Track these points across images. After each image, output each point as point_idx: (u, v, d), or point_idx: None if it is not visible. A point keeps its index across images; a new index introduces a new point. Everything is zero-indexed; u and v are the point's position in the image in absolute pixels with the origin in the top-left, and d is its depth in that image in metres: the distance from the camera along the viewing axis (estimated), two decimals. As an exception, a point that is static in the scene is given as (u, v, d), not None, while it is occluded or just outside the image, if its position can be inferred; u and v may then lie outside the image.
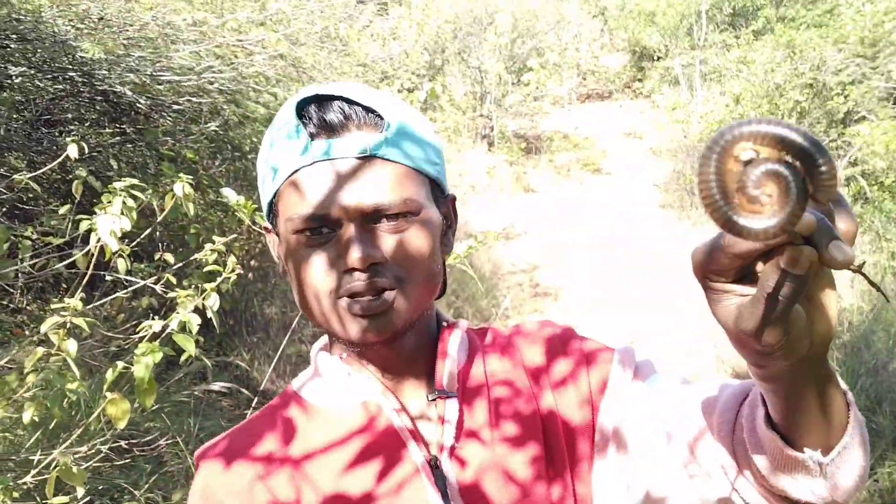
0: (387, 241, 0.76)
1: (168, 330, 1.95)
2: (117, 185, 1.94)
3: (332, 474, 0.78)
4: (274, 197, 0.80)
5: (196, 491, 0.81)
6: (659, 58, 11.81)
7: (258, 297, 4.46)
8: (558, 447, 0.82)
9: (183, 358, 2.00)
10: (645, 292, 5.85)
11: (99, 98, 4.03)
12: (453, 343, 0.84)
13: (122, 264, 2.13)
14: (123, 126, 4.27)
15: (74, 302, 1.77)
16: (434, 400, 0.82)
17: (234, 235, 3.06)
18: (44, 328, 1.73)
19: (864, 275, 0.56)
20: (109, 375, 1.81)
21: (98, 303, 2.23)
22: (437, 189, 0.83)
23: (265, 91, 3.93)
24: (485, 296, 5.58)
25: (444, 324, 0.87)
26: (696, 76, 10.09)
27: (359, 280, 0.74)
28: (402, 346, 0.82)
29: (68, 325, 1.75)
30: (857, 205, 6.15)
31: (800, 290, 0.51)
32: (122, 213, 1.99)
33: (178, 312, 1.98)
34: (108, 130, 4.26)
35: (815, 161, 0.48)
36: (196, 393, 3.20)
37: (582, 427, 0.84)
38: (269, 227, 0.85)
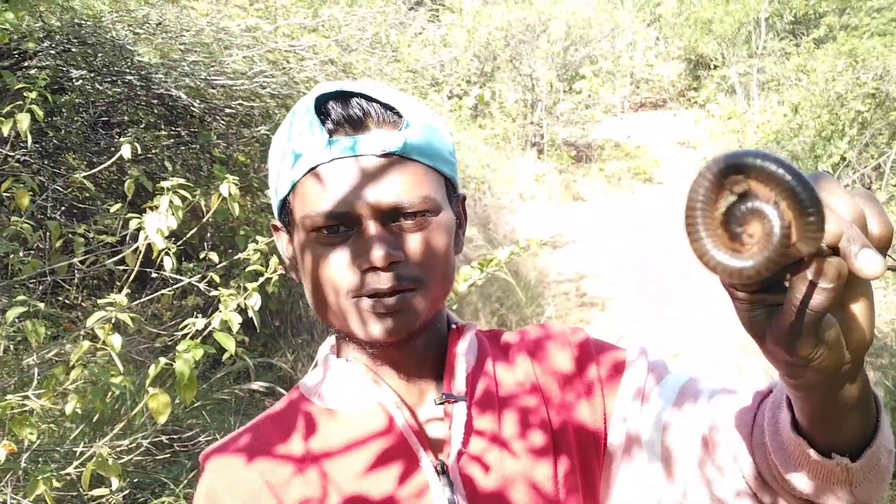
0: (406, 239, 0.75)
1: (210, 328, 1.98)
2: (165, 184, 1.99)
3: (338, 478, 0.77)
4: (289, 193, 0.79)
5: (201, 494, 0.80)
6: (715, 66, 11.60)
7: (304, 300, 4.50)
8: (569, 453, 0.81)
9: (225, 356, 2.03)
10: (691, 302, 5.73)
11: (155, 101, 4.14)
12: (462, 345, 0.83)
13: (168, 262, 2.17)
14: (178, 129, 4.38)
15: (120, 298, 1.82)
16: (442, 404, 0.80)
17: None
18: (90, 322, 1.78)
19: None
20: (152, 371, 1.85)
21: (145, 299, 2.28)
22: (450, 188, 0.82)
23: (315, 96, 3.97)
24: (529, 304, 5.54)
25: (454, 326, 0.86)
26: (753, 85, 9.89)
27: (378, 279, 0.74)
28: (413, 348, 0.80)
29: (113, 320, 1.80)
30: (921, 219, 5.93)
31: (830, 302, 0.48)
32: (170, 212, 2.04)
33: (220, 311, 2.02)
34: (163, 133, 4.38)
35: (805, 209, 0.45)
36: (238, 392, 3.24)
37: (594, 433, 0.83)
38: (279, 224, 0.83)
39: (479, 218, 6.71)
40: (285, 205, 0.80)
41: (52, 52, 3.66)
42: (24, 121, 2.00)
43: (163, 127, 4.42)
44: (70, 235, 2.74)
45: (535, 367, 0.86)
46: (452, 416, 0.79)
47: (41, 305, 1.74)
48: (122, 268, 2.62)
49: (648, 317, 5.70)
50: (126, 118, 4.29)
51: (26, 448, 1.75)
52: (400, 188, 0.74)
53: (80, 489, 1.94)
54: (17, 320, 2.02)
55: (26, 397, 1.64)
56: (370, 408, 0.80)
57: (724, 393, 0.76)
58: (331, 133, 0.75)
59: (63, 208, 3.95)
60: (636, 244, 7.22)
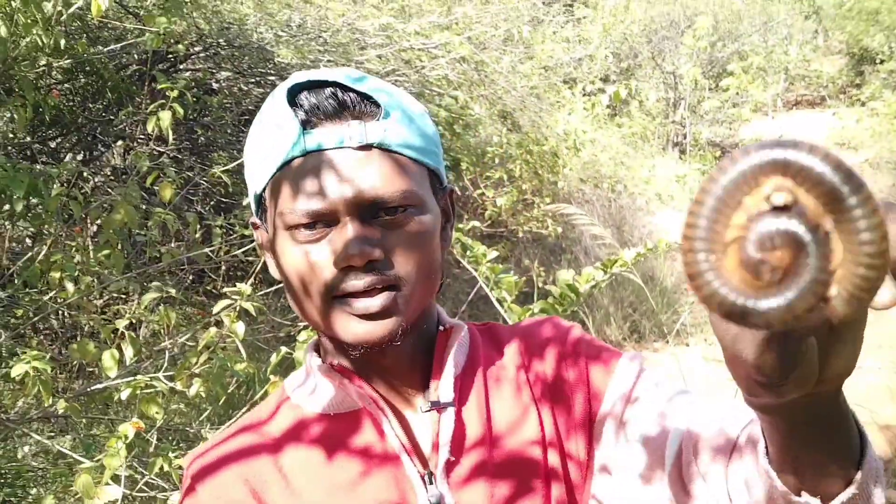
0: (386, 236, 0.71)
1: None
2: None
3: (322, 487, 0.75)
4: (264, 189, 0.75)
5: (186, 499, 0.78)
6: (882, 60, 10.69)
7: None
8: (560, 458, 0.77)
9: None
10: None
11: (295, 101, 4.31)
12: (452, 348, 0.79)
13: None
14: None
15: (244, 287, 1.88)
16: (429, 411, 0.76)
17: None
18: (216, 310, 1.85)
19: None
20: (274, 359, 1.91)
21: (274, 288, 2.37)
22: (435, 181, 0.77)
23: (446, 94, 4.00)
24: (664, 310, 5.32)
25: (444, 326, 0.81)
26: (926, 80, 9.03)
27: (357, 278, 0.70)
28: (399, 351, 0.76)
29: (237, 308, 1.87)
30: None
31: (816, 329, 0.40)
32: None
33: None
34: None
35: (868, 259, 0.31)
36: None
37: (585, 435, 0.79)
38: (257, 222, 0.80)
39: (613, 219, 6.53)
40: (261, 201, 0.76)
41: (203, 54, 3.89)
42: (164, 119, 2.11)
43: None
44: (214, 227, 2.90)
45: (527, 364, 0.82)
46: (440, 424, 0.76)
47: (173, 292, 1.84)
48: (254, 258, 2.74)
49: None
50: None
51: (157, 427, 1.85)
52: (379, 182, 0.70)
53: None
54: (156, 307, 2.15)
55: (156, 378, 1.73)
56: (352, 414, 0.77)
57: (711, 410, 0.71)
58: (304, 125, 0.71)
59: (212, 203, 4.20)
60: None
